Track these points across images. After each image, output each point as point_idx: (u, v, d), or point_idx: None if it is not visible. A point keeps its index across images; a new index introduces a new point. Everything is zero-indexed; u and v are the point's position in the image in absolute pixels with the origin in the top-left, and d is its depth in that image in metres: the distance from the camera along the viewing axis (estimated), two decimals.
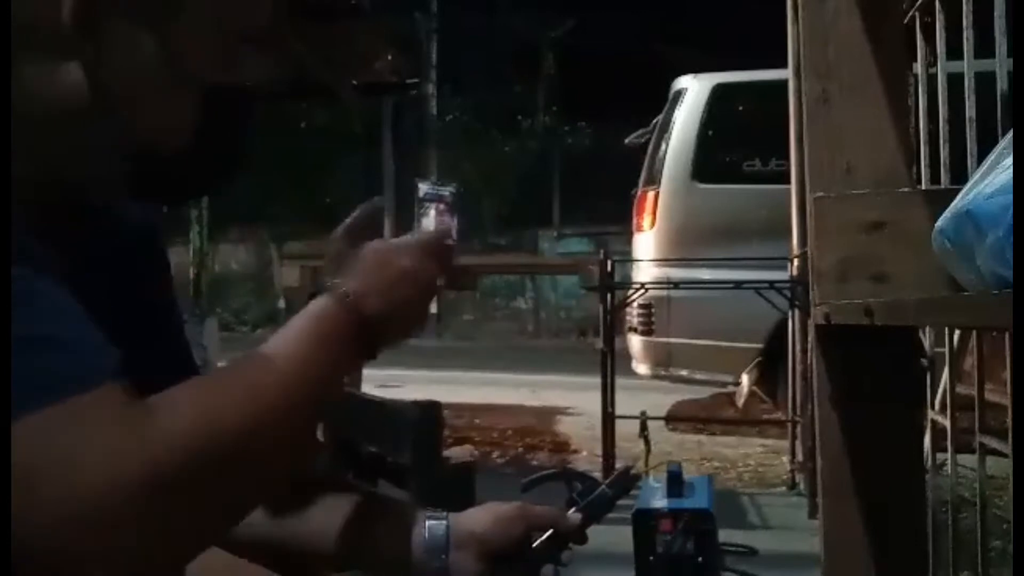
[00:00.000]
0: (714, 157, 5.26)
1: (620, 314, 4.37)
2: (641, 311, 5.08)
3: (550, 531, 0.94)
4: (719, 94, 5.29)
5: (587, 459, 4.44)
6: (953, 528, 1.34)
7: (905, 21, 1.26)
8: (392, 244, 0.84)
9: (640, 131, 6.30)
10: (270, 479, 0.70)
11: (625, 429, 3.73)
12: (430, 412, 2.67)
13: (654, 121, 5.80)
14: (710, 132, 5.26)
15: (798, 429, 3.61)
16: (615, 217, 9.49)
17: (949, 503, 1.37)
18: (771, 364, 4.68)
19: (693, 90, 5.35)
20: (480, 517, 0.93)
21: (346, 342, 0.76)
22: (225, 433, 0.61)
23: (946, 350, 1.44)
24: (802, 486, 3.57)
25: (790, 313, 3.64)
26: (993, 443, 1.24)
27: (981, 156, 0.97)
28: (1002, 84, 1.06)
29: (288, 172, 15.73)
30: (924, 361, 1.59)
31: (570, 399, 6.40)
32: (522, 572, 0.93)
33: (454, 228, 0.97)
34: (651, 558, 1.03)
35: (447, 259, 0.88)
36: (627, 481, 1.01)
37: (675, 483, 1.06)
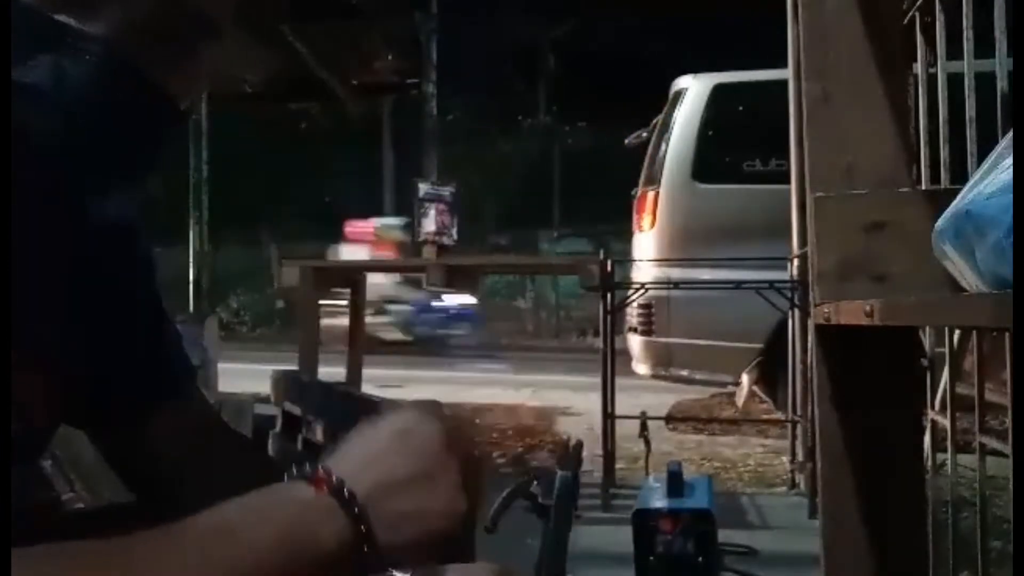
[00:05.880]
0: (714, 157, 5.26)
1: (620, 314, 4.37)
2: (641, 311, 5.08)
3: None
4: (719, 94, 5.29)
5: (587, 459, 4.44)
6: (953, 528, 1.34)
7: (905, 21, 1.26)
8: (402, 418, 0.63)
9: (640, 131, 6.30)
10: None
11: (625, 429, 3.72)
12: None
13: (654, 121, 5.80)
14: (710, 132, 5.26)
15: (798, 429, 3.61)
16: (615, 217, 9.49)
17: (949, 503, 1.37)
18: (771, 364, 4.68)
19: (693, 90, 5.35)
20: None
21: (326, 541, 0.56)
22: None
23: (946, 350, 1.44)
24: (802, 486, 3.57)
25: (790, 313, 3.64)
26: (993, 443, 1.24)
27: (981, 156, 0.97)
28: (1002, 84, 1.06)
29: (288, 172, 15.74)
30: (924, 361, 1.59)
31: (570, 399, 6.40)
32: None
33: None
34: (651, 558, 1.03)
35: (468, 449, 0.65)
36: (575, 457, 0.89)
37: (675, 483, 1.06)
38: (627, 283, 4.42)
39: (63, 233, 0.70)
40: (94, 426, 0.85)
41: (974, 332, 1.31)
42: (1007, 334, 0.98)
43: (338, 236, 5.32)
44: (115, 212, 0.80)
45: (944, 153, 1.22)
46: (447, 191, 5.27)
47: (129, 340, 0.81)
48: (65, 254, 0.71)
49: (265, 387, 3.66)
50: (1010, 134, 0.76)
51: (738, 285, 3.70)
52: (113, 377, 0.80)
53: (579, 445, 0.92)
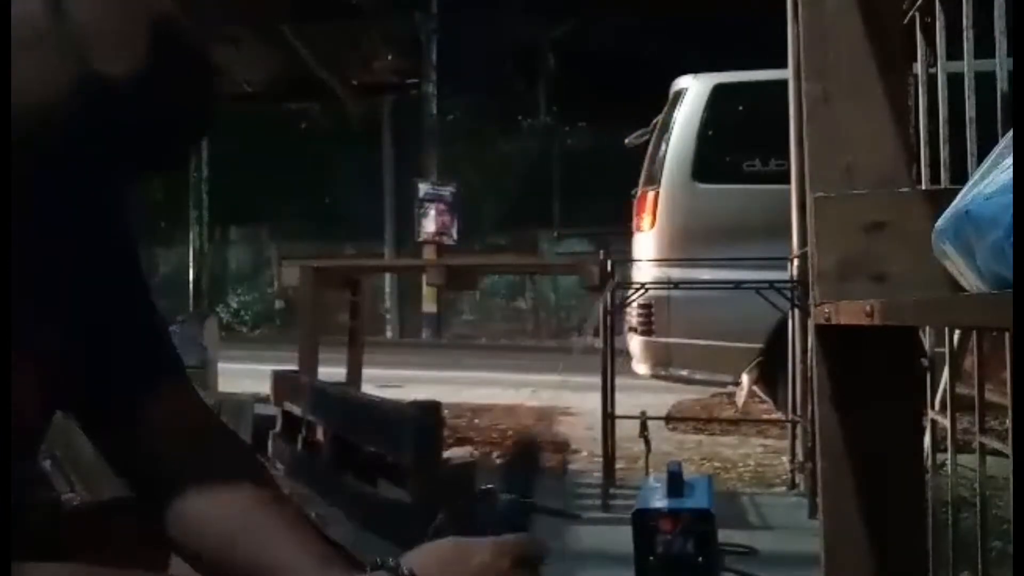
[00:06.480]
0: (714, 157, 5.26)
1: (620, 314, 4.37)
2: (641, 311, 5.08)
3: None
4: (719, 94, 5.29)
5: (587, 459, 4.44)
6: (953, 528, 1.34)
7: (905, 21, 1.26)
8: (479, 544, 0.73)
9: (640, 131, 6.30)
10: None
11: (625, 429, 3.72)
12: (430, 412, 2.68)
13: (654, 121, 5.80)
14: (710, 132, 5.26)
15: (798, 429, 3.61)
16: (615, 217, 9.50)
17: (949, 503, 1.37)
18: (771, 364, 4.68)
19: (693, 90, 5.35)
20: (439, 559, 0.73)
21: None
22: None
23: (946, 350, 1.44)
24: (802, 486, 3.57)
25: (790, 313, 3.64)
26: (993, 443, 1.24)
27: (981, 156, 0.97)
28: (1002, 84, 1.06)
29: (288, 172, 15.74)
30: (924, 361, 1.59)
31: (570, 399, 6.40)
32: None
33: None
34: (651, 558, 1.03)
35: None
36: (527, 466, 0.86)
37: (675, 483, 1.06)
38: (627, 283, 4.42)
39: (51, 228, 0.70)
40: (81, 414, 0.84)
41: (974, 332, 1.31)
42: (1007, 334, 0.98)
43: (340, 236, 5.34)
44: (103, 207, 0.80)
45: (944, 153, 1.22)
46: (447, 191, 5.26)
47: (111, 329, 0.81)
48: (53, 250, 0.71)
49: (265, 387, 3.65)
50: (1010, 134, 0.76)
51: (738, 285, 3.70)
52: (98, 366, 0.79)
53: (533, 444, 0.87)
